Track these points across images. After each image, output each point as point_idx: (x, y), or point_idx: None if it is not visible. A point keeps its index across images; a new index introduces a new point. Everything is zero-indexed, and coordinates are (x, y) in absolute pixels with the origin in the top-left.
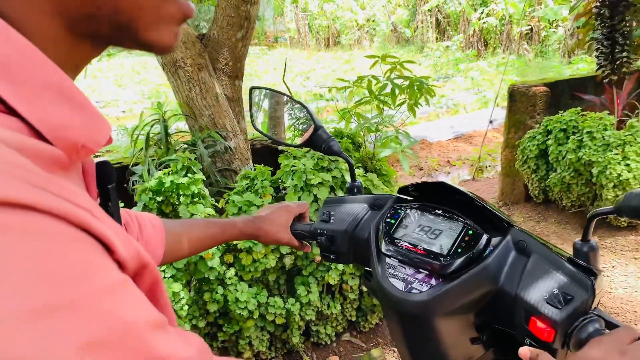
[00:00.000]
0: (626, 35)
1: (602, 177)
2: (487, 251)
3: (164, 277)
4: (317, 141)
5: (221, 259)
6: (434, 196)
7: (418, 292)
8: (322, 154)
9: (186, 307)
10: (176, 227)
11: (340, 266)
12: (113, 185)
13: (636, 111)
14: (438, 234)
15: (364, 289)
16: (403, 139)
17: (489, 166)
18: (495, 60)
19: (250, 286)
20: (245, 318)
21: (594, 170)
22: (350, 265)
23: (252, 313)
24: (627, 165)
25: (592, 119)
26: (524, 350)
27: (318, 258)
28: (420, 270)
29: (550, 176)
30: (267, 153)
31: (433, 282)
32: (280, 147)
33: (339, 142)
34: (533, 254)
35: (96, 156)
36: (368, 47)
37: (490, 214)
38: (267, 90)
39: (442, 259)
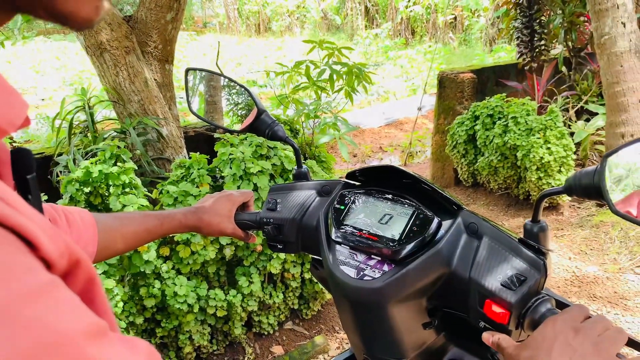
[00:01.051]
0: (543, 24)
1: (526, 160)
2: (439, 235)
3: None
4: (261, 126)
5: (157, 251)
6: (383, 181)
7: (371, 279)
8: (260, 141)
9: (121, 304)
10: (109, 222)
11: (282, 255)
12: (33, 176)
13: (554, 97)
14: (388, 219)
15: (306, 276)
16: (341, 126)
17: (419, 151)
18: (422, 48)
19: (189, 279)
20: (185, 312)
21: (519, 154)
22: (292, 254)
23: (191, 307)
24: (548, 148)
25: (516, 105)
26: (487, 335)
27: (259, 248)
28: (372, 256)
29: (479, 160)
30: (202, 141)
31: (385, 268)
32: (216, 135)
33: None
34: (484, 236)
35: (13, 146)
36: (299, 34)
37: (440, 197)
38: (204, 73)
39: (393, 244)
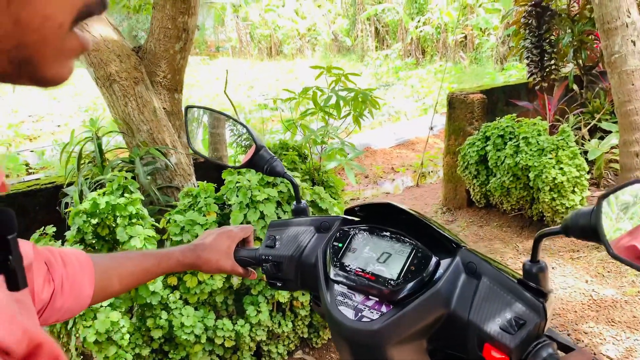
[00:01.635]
0: (553, 43)
1: (539, 180)
2: (437, 274)
3: (101, 306)
4: (260, 162)
5: (164, 282)
6: (382, 216)
7: (369, 320)
8: None
9: (127, 336)
10: (105, 262)
11: None
12: (14, 236)
13: (566, 116)
14: (387, 258)
15: None
16: (348, 151)
17: (431, 172)
18: (433, 67)
19: (196, 309)
20: (192, 343)
21: (531, 175)
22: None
23: (199, 337)
24: (561, 169)
25: (527, 125)
26: None
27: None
28: (370, 297)
29: (491, 181)
30: (211, 168)
31: (384, 309)
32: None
33: (285, 154)
34: (483, 276)
35: (29, 173)
36: (310, 56)
37: (438, 235)
38: (199, 108)
39: (391, 284)
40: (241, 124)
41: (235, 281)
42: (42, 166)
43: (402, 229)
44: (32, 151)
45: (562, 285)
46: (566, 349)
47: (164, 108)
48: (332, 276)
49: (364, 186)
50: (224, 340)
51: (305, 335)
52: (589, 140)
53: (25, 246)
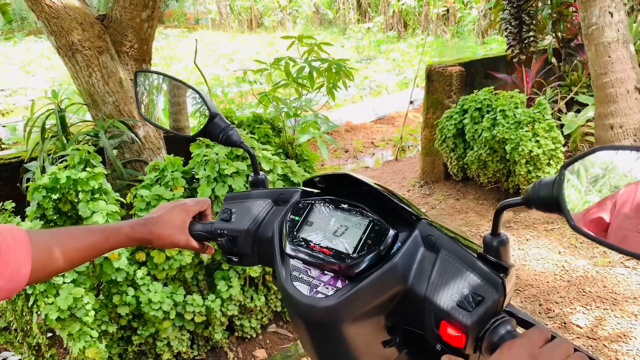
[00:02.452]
0: (532, 15)
1: (515, 153)
2: (395, 248)
3: (64, 282)
4: (214, 130)
5: (132, 258)
6: (342, 189)
7: (323, 296)
8: None
9: (92, 313)
10: (45, 239)
11: None
12: None
13: (543, 89)
14: (344, 231)
15: None
16: (322, 124)
17: (411, 146)
18: (415, 41)
19: (165, 285)
20: (161, 319)
21: (507, 147)
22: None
23: (167, 313)
24: (537, 141)
25: (505, 98)
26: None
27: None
28: (326, 272)
29: (468, 154)
30: (185, 142)
31: (339, 284)
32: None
33: (258, 127)
34: (442, 249)
35: (2, 149)
36: (291, 29)
37: (398, 207)
38: (158, 75)
39: (347, 259)
40: (194, 89)
41: (205, 256)
42: (15, 141)
43: (362, 202)
44: (4, 126)
45: (535, 257)
46: (526, 324)
47: (131, 79)
48: (287, 250)
49: (344, 160)
50: (194, 315)
51: (279, 309)
52: (565, 113)
53: None
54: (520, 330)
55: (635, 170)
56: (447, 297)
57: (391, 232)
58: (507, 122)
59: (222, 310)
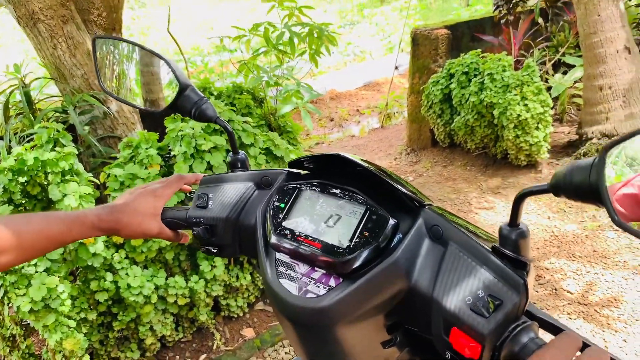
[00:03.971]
0: None
1: (503, 118)
2: (396, 240)
3: (36, 271)
4: (185, 104)
5: (108, 241)
6: (334, 169)
7: (314, 296)
8: None
9: (68, 302)
10: (2, 229)
11: None
12: None
13: (531, 50)
14: (336, 220)
15: None
16: (305, 93)
17: (397, 112)
18: (398, 4)
19: (146, 267)
20: (142, 304)
21: (495, 112)
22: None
23: (148, 298)
24: (526, 105)
25: (492, 61)
26: None
27: None
28: (317, 268)
29: (455, 120)
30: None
31: (332, 282)
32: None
33: (238, 98)
34: (451, 242)
35: None
36: None
37: (398, 191)
38: (125, 43)
39: (341, 254)
40: (161, 57)
41: None
42: None
43: (356, 186)
44: None
45: (525, 223)
46: (549, 327)
47: None
48: (272, 242)
49: (329, 129)
50: (177, 298)
51: None
52: (552, 75)
53: None
54: (542, 334)
55: None
56: (459, 299)
57: (391, 222)
58: (495, 86)
59: (206, 291)
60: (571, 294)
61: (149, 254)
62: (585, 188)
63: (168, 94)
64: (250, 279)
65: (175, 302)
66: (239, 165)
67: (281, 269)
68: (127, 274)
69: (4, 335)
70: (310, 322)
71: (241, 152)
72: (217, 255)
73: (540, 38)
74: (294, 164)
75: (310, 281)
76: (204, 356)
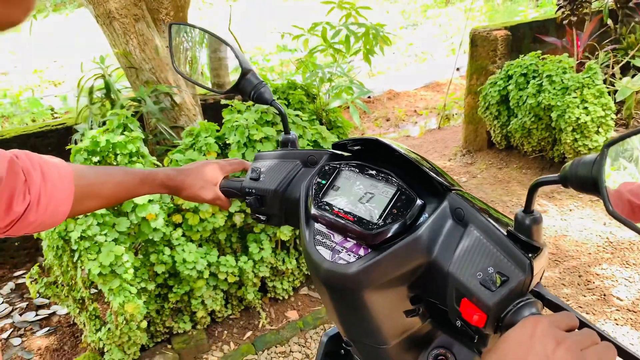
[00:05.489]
0: None
1: (561, 121)
2: (422, 219)
3: (105, 240)
4: (246, 87)
5: (169, 219)
6: (373, 153)
7: (345, 262)
8: (266, 107)
9: (131, 271)
10: (89, 177)
11: None
12: None
13: (596, 53)
14: (370, 198)
15: None
16: (356, 89)
17: (456, 114)
18: (463, 5)
19: (200, 246)
20: (195, 278)
21: (553, 115)
22: (276, 227)
23: (201, 273)
24: (585, 108)
25: (552, 62)
26: None
27: None
28: (349, 238)
29: (512, 122)
30: (221, 109)
31: (361, 252)
32: (222, 101)
33: (292, 94)
34: (470, 223)
35: (54, 118)
36: None
37: (428, 176)
38: (197, 30)
39: (371, 227)
40: (226, 43)
41: (238, 220)
42: (66, 111)
43: (391, 169)
44: (56, 96)
45: (578, 228)
46: (555, 307)
47: (166, 47)
48: (312, 213)
49: (385, 129)
50: (227, 275)
51: None
52: (620, 79)
53: None
54: (546, 313)
55: None
56: (471, 274)
57: (418, 202)
58: (554, 88)
59: (254, 271)
60: (621, 300)
61: (204, 233)
62: (587, 180)
63: (233, 79)
64: (295, 263)
65: (226, 279)
66: (289, 145)
67: (318, 237)
68: (183, 250)
69: (75, 297)
70: (340, 285)
71: (292, 132)
72: (265, 223)
73: (607, 40)
74: (337, 145)
75: (342, 249)
76: (249, 333)
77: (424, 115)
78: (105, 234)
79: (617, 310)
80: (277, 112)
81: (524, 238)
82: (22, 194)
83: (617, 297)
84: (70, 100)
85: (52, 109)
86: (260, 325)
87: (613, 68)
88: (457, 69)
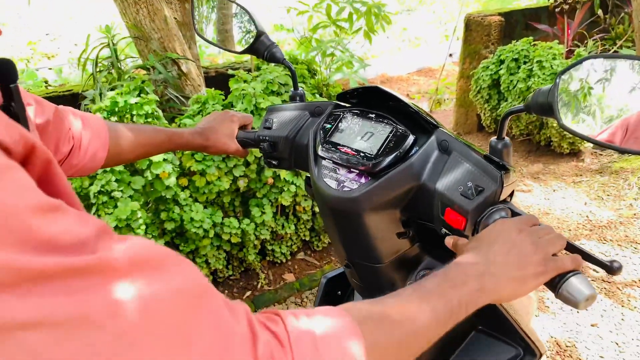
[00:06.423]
0: None
1: None
2: (413, 150)
3: (121, 197)
4: (260, 47)
5: (176, 181)
6: (371, 101)
7: (349, 189)
8: (271, 78)
9: (143, 227)
10: (122, 131)
11: (293, 188)
12: (15, 85)
13: (585, 41)
14: (370, 136)
15: (317, 209)
16: (355, 64)
17: (447, 99)
18: None
19: (205, 207)
20: (201, 237)
21: None
22: (303, 188)
23: (207, 232)
24: None
25: (543, 49)
26: (448, 239)
27: (271, 180)
28: (352, 170)
29: (502, 106)
30: (222, 81)
31: (363, 180)
32: (230, 72)
33: (294, 67)
34: (453, 151)
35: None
36: None
37: (419, 116)
38: None
39: (370, 159)
40: (242, 7)
41: (242, 184)
42: (61, 83)
43: (388, 112)
44: (50, 69)
45: (560, 207)
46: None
47: (174, 18)
48: (319, 153)
49: None
50: (231, 236)
51: (307, 238)
52: None
53: (46, 106)
54: None
55: (629, 78)
56: (453, 188)
57: (411, 137)
58: (544, 74)
59: (255, 233)
60: (596, 272)
61: (210, 195)
62: (545, 105)
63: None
64: (294, 229)
65: (229, 240)
66: (298, 99)
67: (325, 172)
68: (190, 209)
69: None
70: (345, 208)
71: (300, 87)
72: (277, 167)
73: (597, 29)
74: (341, 96)
75: (346, 179)
76: (248, 293)
77: (416, 99)
78: (122, 190)
79: (592, 280)
80: (288, 69)
81: (497, 159)
82: (67, 137)
83: (594, 270)
84: (66, 73)
85: (46, 81)
86: (258, 286)
87: None
88: (450, 55)
